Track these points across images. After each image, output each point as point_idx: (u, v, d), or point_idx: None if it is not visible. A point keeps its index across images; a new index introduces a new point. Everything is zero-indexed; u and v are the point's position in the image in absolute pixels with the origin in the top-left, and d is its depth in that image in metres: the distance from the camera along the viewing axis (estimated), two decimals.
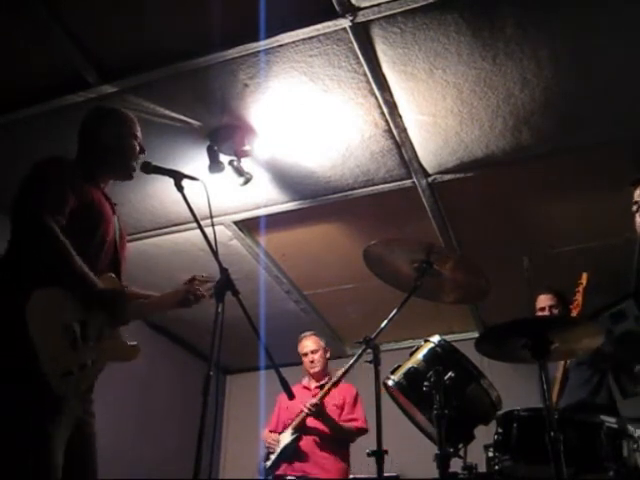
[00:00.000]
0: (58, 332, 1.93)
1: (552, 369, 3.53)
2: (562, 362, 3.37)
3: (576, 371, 3.42)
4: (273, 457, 4.07)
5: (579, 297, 3.38)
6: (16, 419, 1.85)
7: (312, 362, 4.29)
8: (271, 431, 4.30)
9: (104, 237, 2.19)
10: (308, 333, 4.44)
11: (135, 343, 2.24)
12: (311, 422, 4.06)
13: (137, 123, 2.40)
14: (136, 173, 2.41)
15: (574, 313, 3.34)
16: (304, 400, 4.10)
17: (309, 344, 4.35)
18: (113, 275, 2.21)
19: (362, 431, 4.11)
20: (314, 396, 4.11)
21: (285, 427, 4.19)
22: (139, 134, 2.39)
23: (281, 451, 4.06)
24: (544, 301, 3.73)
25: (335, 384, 3.90)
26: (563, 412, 3.26)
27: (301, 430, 4.04)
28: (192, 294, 2.44)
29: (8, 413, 1.85)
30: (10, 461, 1.83)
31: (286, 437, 4.09)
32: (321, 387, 4.20)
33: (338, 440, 4.08)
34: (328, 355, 4.39)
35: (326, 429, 4.04)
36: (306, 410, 3.99)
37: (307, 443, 4.05)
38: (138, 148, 2.37)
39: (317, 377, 4.32)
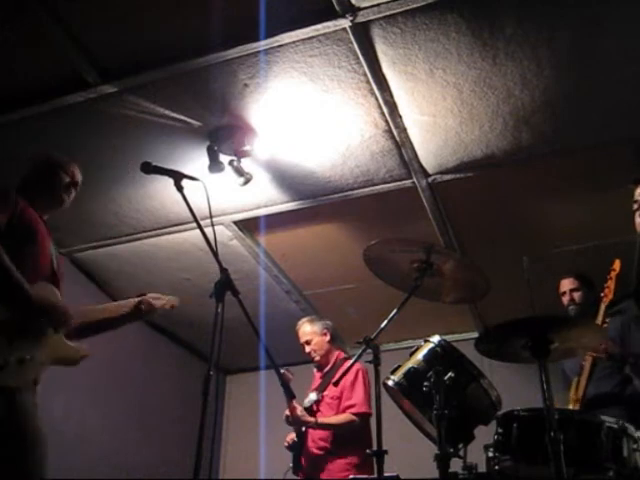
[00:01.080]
0: None
1: (572, 367, 3.49)
2: (589, 358, 3.33)
3: (603, 367, 3.37)
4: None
5: (611, 284, 3.34)
6: None
7: (309, 353, 4.03)
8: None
9: (39, 253, 2.34)
10: (300, 321, 4.15)
11: (83, 347, 2.38)
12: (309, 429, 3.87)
13: (69, 162, 2.62)
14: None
15: (605, 300, 3.30)
16: (313, 389, 3.94)
17: (301, 335, 4.08)
18: (50, 285, 2.35)
19: (361, 415, 3.71)
20: (316, 387, 3.94)
21: None
22: (71, 168, 2.61)
23: (292, 452, 3.95)
24: (565, 285, 3.72)
25: (336, 383, 3.87)
26: (587, 404, 3.24)
27: (300, 439, 3.88)
28: (145, 304, 2.63)
29: None
30: None
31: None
32: (325, 374, 3.98)
33: (341, 435, 3.75)
34: (328, 337, 4.04)
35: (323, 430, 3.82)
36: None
37: (309, 446, 3.85)
38: (68, 180, 2.58)
39: (322, 363, 4.04)
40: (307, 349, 4.01)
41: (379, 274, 2.84)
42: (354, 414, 3.70)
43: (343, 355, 4.07)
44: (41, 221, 2.47)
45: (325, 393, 3.86)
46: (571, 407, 3.32)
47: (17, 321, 2.13)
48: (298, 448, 3.89)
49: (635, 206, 2.83)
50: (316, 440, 3.81)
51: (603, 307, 3.28)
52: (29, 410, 2.17)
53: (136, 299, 2.65)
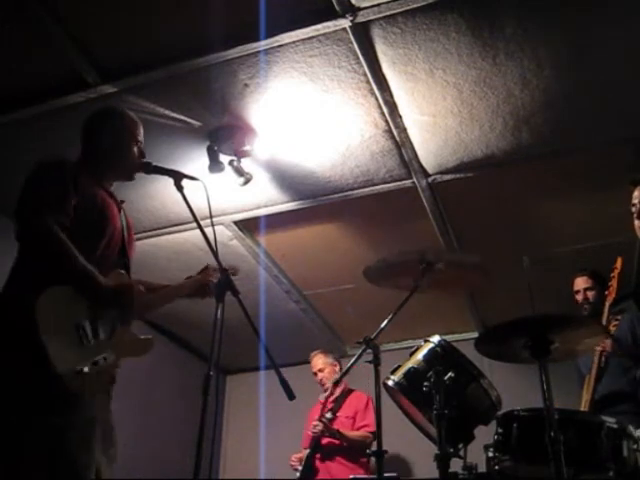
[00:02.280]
0: (67, 330, 1.93)
1: (586, 364, 3.49)
2: (597, 356, 3.32)
3: (616, 359, 3.36)
4: (298, 475, 4.33)
5: (614, 282, 3.34)
6: (28, 420, 1.85)
7: (321, 380, 4.56)
8: (305, 448, 4.52)
9: (111, 236, 2.18)
10: (314, 352, 4.69)
11: (149, 336, 2.26)
12: (325, 439, 4.31)
13: (140, 126, 2.39)
14: (137, 174, 2.41)
15: (609, 299, 3.31)
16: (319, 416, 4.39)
17: (315, 364, 4.63)
18: (123, 272, 2.21)
19: (375, 435, 4.20)
20: (324, 412, 4.38)
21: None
22: (140, 137, 2.38)
23: (301, 470, 4.31)
24: (579, 284, 3.72)
25: (336, 383, 4.02)
26: (598, 402, 3.24)
27: (316, 448, 4.30)
28: (207, 283, 2.46)
29: (20, 414, 1.85)
30: (26, 463, 1.82)
31: (304, 457, 4.36)
32: (334, 400, 4.47)
33: (354, 449, 4.24)
34: (338, 368, 4.59)
35: (339, 443, 4.24)
36: (311, 432, 4.27)
37: (324, 458, 4.27)
38: (137, 151, 2.35)
39: (331, 391, 4.53)
40: (319, 376, 4.56)
41: (381, 285, 2.87)
42: (369, 432, 4.22)
43: (349, 386, 4.55)
44: (106, 193, 2.26)
45: (339, 414, 4.38)
46: (583, 405, 3.31)
47: (90, 319, 2.00)
48: (309, 468, 4.29)
49: (633, 209, 2.82)
50: (330, 453, 4.27)
51: (607, 305, 3.29)
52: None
53: (197, 276, 2.48)
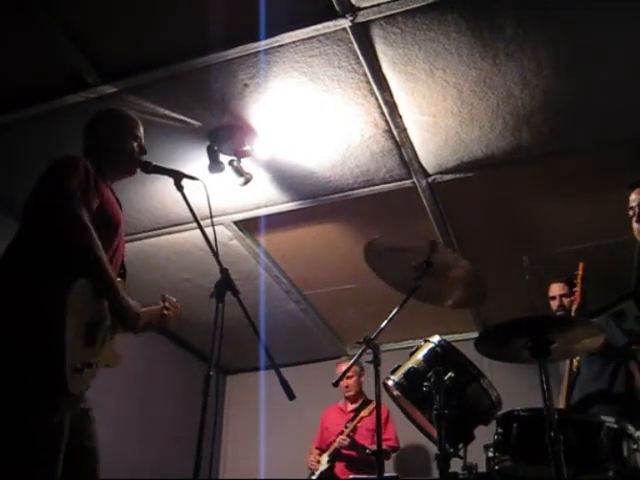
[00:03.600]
0: (82, 327, 1.93)
1: (562, 367, 3.52)
2: (569, 360, 3.35)
3: (588, 364, 3.38)
4: (314, 477, 4.48)
5: (578, 287, 3.38)
6: (33, 406, 1.82)
7: (347, 387, 4.68)
8: (317, 447, 4.69)
9: (119, 238, 2.19)
10: (340, 360, 4.78)
11: (119, 353, 2.25)
12: (345, 449, 4.47)
13: (139, 124, 2.42)
14: (136, 173, 2.41)
15: (574, 304, 3.34)
16: (340, 422, 4.58)
17: (343, 368, 4.64)
18: (121, 280, 2.21)
19: (395, 449, 4.51)
20: (348, 419, 4.54)
21: (327, 447, 4.59)
22: (140, 134, 2.40)
23: (318, 476, 4.46)
24: (555, 290, 3.73)
25: (337, 383, 4.06)
26: (574, 407, 3.26)
27: (336, 457, 4.45)
28: (167, 314, 2.43)
29: (26, 398, 1.82)
30: (24, 450, 1.79)
31: (323, 462, 4.50)
32: (356, 410, 4.60)
33: (371, 461, 4.29)
34: (363, 379, 4.72)
35: (359, 455, 4.37)
36: (337, 445, 4.42)
37: (342, 468, 4.41)
38: (138, 147, 2.37)
39: (352, 399, 4.72)
40: (345, 383, 4.63)
41: (378, 271, 2.83)
42: (389, 447, 4.42)
43: (368, 397, 4.67)
44: (111, 192, 2.25)
45: (359, 424, 4.51)
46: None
47: (98, 322, 2.00)
48: (326, 474, 4.47)
49: (631, 212, 2.81)
50: (351, 465, 4.41)
51: (574, 310, 3.33)
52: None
53: (159, 306, 2.44)
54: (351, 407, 4.71)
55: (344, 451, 4.45)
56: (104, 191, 2.18)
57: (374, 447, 4.33)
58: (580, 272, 3.41)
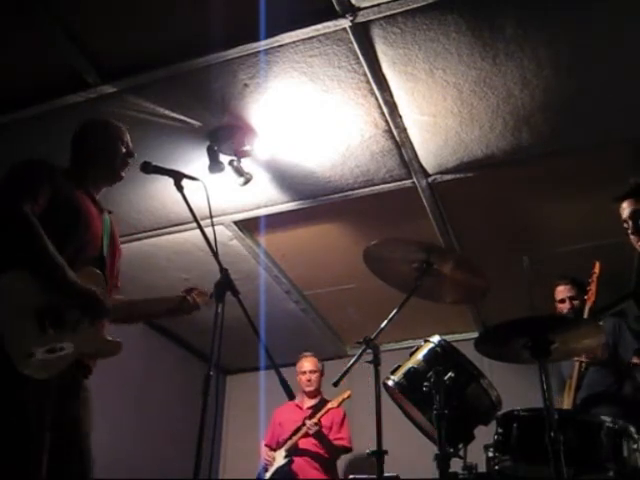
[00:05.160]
0: (26, 314, 1.98)
1: (567, 369, 3.50)
2: (577, 363, 3.34)
3: (595, 370, 3.38)
4: (268, 475, 4.36)
5: (593, 287, 3.33)
6: None
7: (309, 381, 4.65)
8: (266, 445, 4.63)
9: (84, 242, 2.21)
10: (308, 354, 4.77)
11: (118, 340, 2.28)
12: (303, 444, 4.38)
13: (124, 130, 2.50)
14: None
15: (588, 303, 3.31)
16: (297, 418, 4.46)
17: (308, 365, 4.70)
18: (98, 271, 2.22)
19: (348, 450, 4.55)
20: (306, 416, 4.44)
21: (278, 444, 4.50)
22: (126, 138, 2.48)
23: (274, 471, 4.34)
24: (563, 292, 3.69)
25: (337, 382, 4.03)
26: (578, 408, 3.25)
27: (293, 452, 4.36)
28: (189, 302, 2.51)
29: None
30: None
31: (279, 458, 4.39)
32: (313, 407, 4.54)
33: (327, 459, 4.40)
34: (322, 378, 4.72)
35: (317, 449, 4.35)
36: (307, 430, 4.33)
37: (300, 463, 4.33)
38: (125, 151, 2.45)
39: (310, 395, 4.67)
40: (307, 377, 4.65)
41: (379, 274, 2.84)
42: (342, 446, 4.52)
43: (324, 396, 4.71)
44: (88, 198, 2.32)
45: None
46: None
47: (54, 308, 2.03)
48: (283, 470, 4.38)
49: (625, 225, 2.75)
50: (309, 459, 4.38)
51: (587, 310, 3.29)
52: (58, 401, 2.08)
53: (181, 294, 2.53)
54: (308, 404, 4.64)
55: (303, 445, 4.37)
56: (74, 193, 2.24)
57: (333, 443, 4.41)
58: (596, 271, 3.35)
